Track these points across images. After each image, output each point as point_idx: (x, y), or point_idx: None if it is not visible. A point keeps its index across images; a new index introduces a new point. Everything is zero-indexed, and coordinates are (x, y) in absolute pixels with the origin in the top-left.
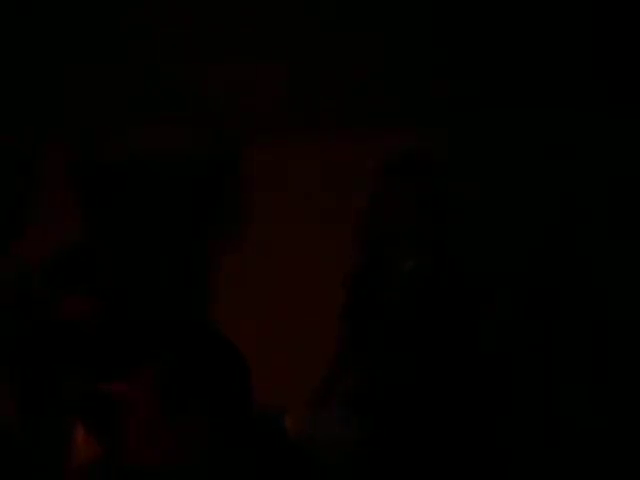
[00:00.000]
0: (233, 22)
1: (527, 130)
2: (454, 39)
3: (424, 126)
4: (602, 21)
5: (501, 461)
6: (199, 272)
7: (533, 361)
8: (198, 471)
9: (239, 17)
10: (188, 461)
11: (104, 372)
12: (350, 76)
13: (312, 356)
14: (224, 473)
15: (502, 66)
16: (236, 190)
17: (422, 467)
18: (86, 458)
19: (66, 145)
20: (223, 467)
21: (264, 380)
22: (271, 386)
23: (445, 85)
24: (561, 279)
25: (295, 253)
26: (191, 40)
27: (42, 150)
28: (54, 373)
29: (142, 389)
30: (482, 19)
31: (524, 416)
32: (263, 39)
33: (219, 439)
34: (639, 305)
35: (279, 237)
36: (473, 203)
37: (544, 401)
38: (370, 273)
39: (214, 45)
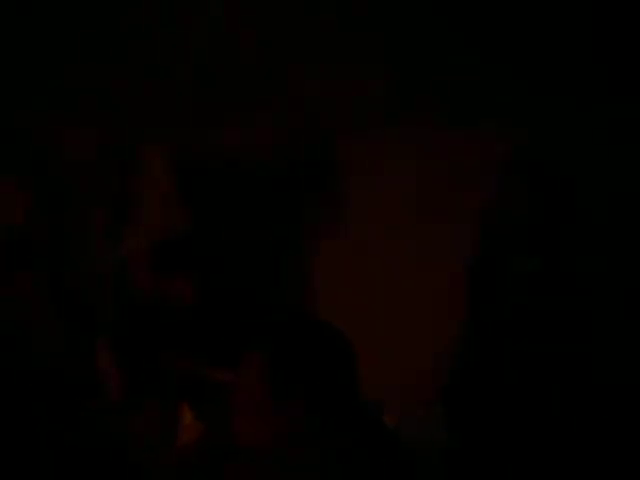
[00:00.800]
0: (335, 23)
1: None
2: None
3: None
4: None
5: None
6: (294, 262)
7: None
8: (304, 454)
9: (343, 18)
10: (294, 444)
11: (210, 357)
12: (444, 73)
13: (407, 349)
14: (328, 457)
15: None
16: (331, 183)
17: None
18: (191, 438)
19: (166, 141)
20: (327, 451)
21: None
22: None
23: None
24: None
25: (389, 245)
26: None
27: (144, 147)
28: (159, 356)
29: (250, 375)
30: None
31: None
32: (360, 37)
33: (325, 423)
34: None
35: (373, 230)
36: None
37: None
38: (489, 271)
39: (311, 44)
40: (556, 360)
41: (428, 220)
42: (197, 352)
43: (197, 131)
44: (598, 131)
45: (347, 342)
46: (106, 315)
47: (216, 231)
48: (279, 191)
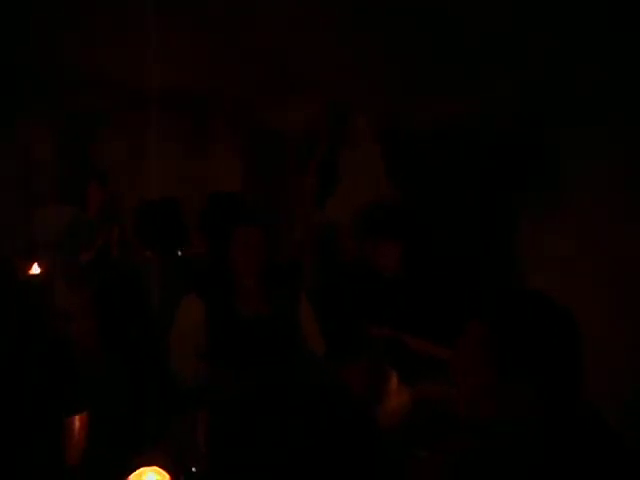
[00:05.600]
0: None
1: None
2: None
3: None
4: None
5: None
6: (504, 238)
7: None
8: (522, 434)
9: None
10: (512, 422)
11: (412, 327)
12: None
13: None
14: (545, 442)
15: None
16: (542, 159)
17: None
18: (397, 403)
19: (375, 112)
20: (546, 437)
21: None
22: None
23: None
24: None
25: (600, 229)
26: None
27: (351, 117)
28: (359, 320)
29: (474, 347)
30: None
31: None
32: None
33: (546, 410)
34: None
35: (585, 211)
36: None
37: None
38: None
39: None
40: None
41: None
42: (398, 321)
43: (407, 100)
44: None
45: (575, 321)
46: (312, 277)
47: (425, 200)
48: (491, 162)
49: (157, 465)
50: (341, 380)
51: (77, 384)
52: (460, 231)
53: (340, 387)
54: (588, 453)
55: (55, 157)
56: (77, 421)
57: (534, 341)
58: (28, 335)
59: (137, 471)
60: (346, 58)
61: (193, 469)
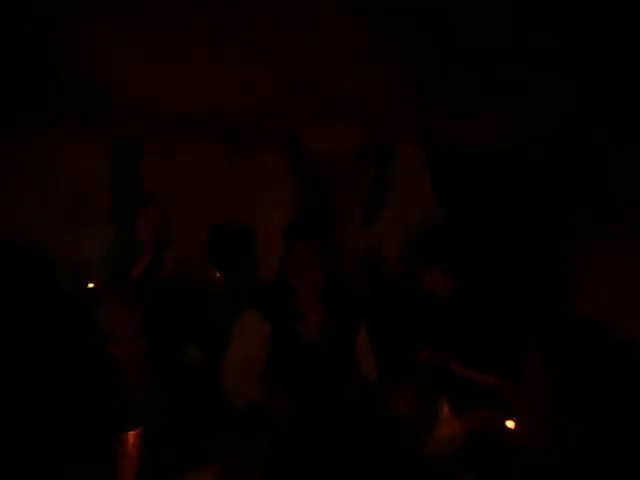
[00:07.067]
0: None
1: None
2: None
3: None
4: None
5: None
6: (551, 260)
7: None
8: (581, 457)
9: None
10: (571, 445)
11: (461, 355)
12: None
13: None
14: (604, 462)
15: None
16: (590, 176)
17: None
18: (447, 432)
19: (421, 135)
20: (604, 456)
21: None
22: None
23: None
24: None
25: None
26: None
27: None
28: (409, 344)
29: (534, 375)
30: None
31: None
32: None
33: (604, 427)
34: None
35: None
36: None
37: None
38: None
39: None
40: None
41: None
42: (447, 347)
43: (451, 126)
44: None
45: (632, 346)
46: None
47: (474, 227)
48: (539, 188)
49: None
50: (390, 409)
51: (127, 399)
52: (507, 252)
53: (390, 418)
54: None
55: (108, 176)
56: (131, 438)
57: (595, 373)
58: (71, 349)
59: None
60: (394, 78)
61: None
